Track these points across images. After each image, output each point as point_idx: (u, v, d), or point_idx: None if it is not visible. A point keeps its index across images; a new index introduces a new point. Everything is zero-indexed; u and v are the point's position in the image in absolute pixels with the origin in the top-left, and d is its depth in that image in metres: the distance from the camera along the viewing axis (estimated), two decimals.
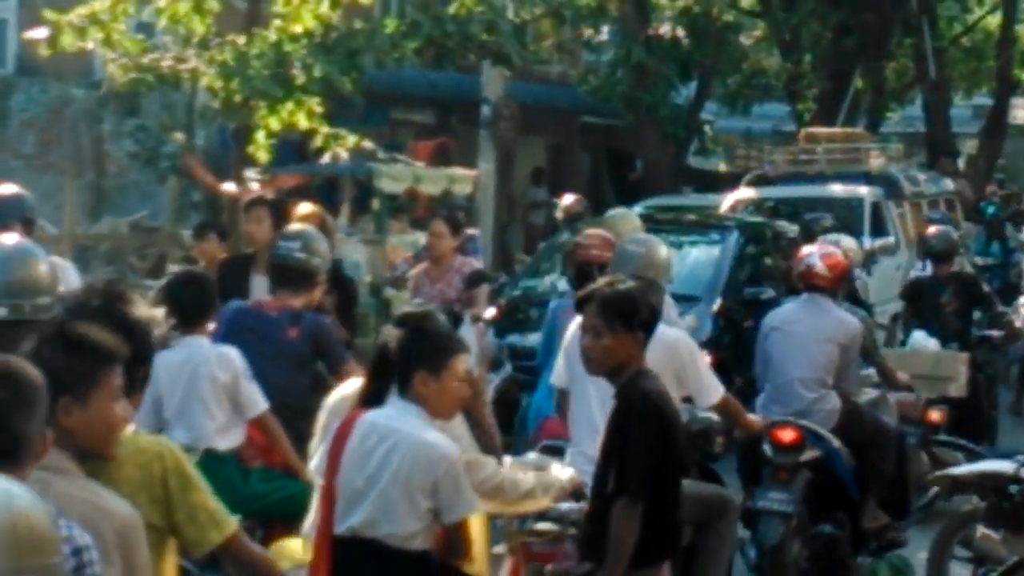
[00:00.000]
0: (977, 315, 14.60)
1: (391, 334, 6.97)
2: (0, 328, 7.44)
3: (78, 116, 29.03)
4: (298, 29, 19.68)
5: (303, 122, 19.47)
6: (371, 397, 6.89)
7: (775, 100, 34.35)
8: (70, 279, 10.83)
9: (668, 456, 6.59)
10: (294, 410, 9.59)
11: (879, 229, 19.74)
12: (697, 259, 16.76)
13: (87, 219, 26.39)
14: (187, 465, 6.03)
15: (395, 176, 23.13)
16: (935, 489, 10.74)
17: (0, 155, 29.18)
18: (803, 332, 10.82)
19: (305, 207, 13.00)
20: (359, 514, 6.52)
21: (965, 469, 9.21)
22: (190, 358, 9.35)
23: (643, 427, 6.53)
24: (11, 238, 8.86)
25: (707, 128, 32.16)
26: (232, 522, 6.14)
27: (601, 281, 7.79)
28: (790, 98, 31.94)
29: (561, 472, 7.89)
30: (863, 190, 20.34)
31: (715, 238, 17.20)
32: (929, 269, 14.73)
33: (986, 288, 15.17)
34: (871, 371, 12.10)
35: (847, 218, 19.43)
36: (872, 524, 10.58)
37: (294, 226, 11.61)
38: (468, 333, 12.41)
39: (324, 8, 19.92)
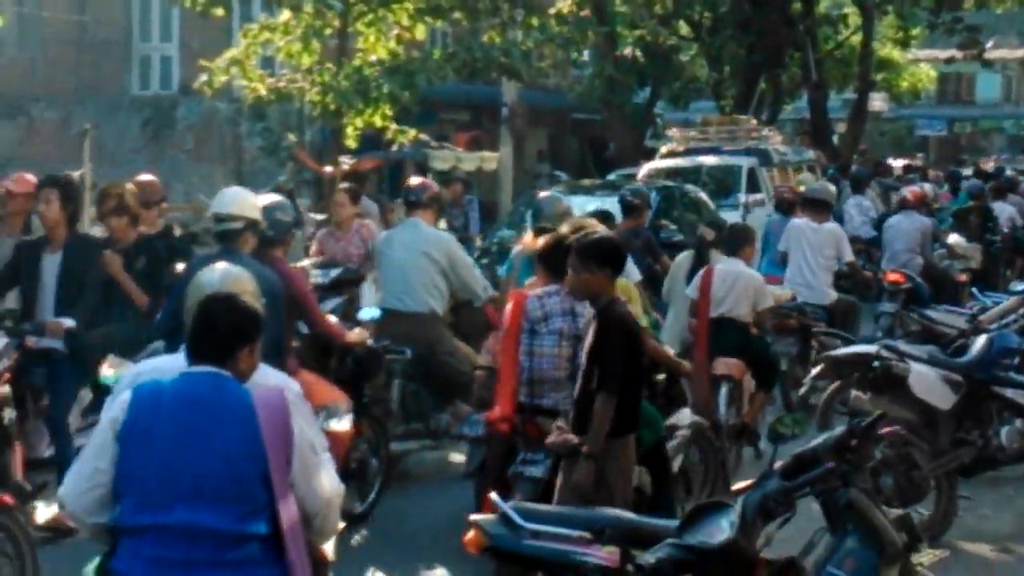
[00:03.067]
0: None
1: None
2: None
3: (223, 123, 29.01)
4: (373, 58, 19.75)
5: (378, 122, 19.57)
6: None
7: (705, 99, 34.12)
8: None
9: (634, 362, 6.50)
10: None
11: (754, 188, 19.28)
12: None
13: None
14: None
15: (442, 158, 23.26)
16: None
17: (170, 151, 29.26)
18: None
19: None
20: None
21: (841, 351, 9.20)
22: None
23: (617, 341, 6.42)
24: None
25: (658, 120, 31.96)
26: None
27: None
28: (715, 97, 31.76)
29: None
30: (741, 159, 19.85)
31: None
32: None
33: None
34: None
35: (729, 180, 19.33)
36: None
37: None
38: (368, 291, 11.12)
39: (391, 44, 20.00)
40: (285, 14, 19.90)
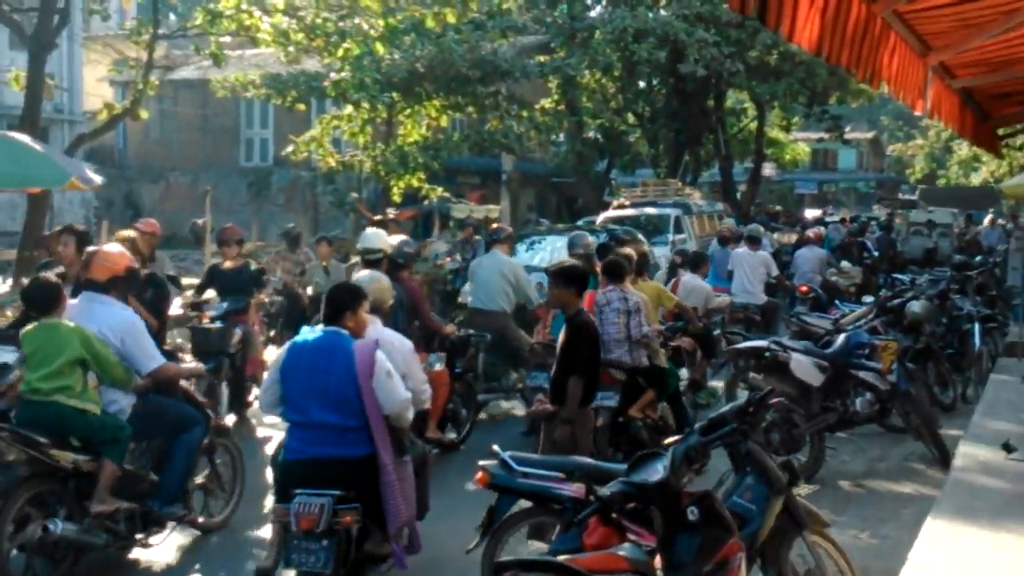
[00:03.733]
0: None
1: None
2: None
3: (304, 185, 29.01)
4: (411, 139, 19.78)
5: (415, 183, 19.60)
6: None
7: (646, 167, 34.13)
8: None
9: (595, 356, 6.56)
10: None
11: (679, 231, 19.00)
12: None
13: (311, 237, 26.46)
14: None
15: (459, 209, 23.13)
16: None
17: (266, 206, 29.26)
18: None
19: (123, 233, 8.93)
20: None
21: (743, 345, 9.19)
22: None
23: (583, 339, 6.46)
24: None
25: (613, 182, 31.96)
26: None
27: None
28: (653, 166, 31.76)
29: None
30: (669, 210, 19.60)
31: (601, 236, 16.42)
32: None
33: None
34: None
35: (661, 224, 19.06)
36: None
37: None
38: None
39: (423, 129, 20.05)
40: (348, 108, 19.96)
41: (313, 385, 5.36)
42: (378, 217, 19.78)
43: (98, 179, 11.58)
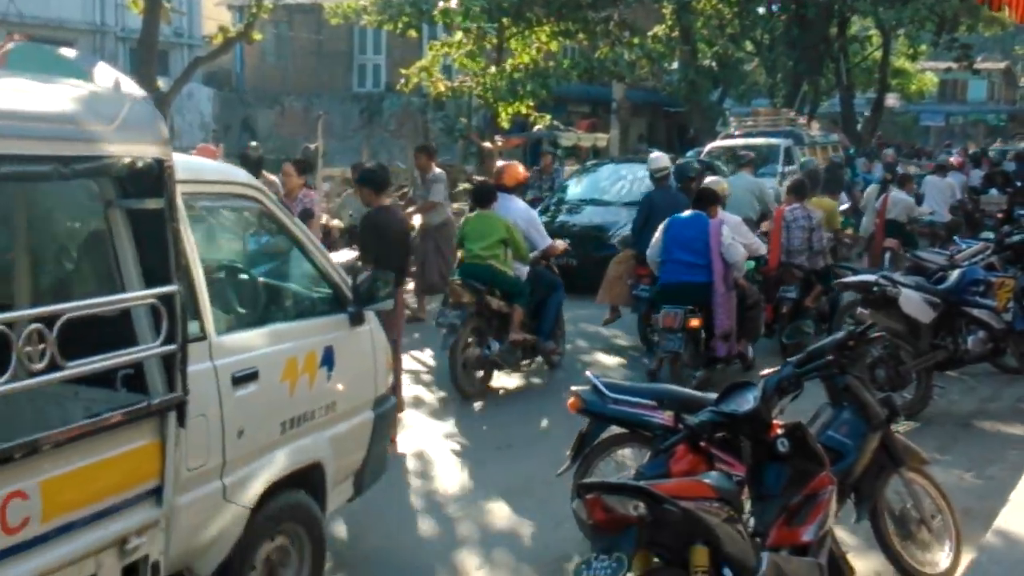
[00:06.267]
0: None
1: None
2: None
3: (415, 112, 29.15)
4: (520, 65, 19.58)
5: (523, 111, 19.44)
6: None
7: (762, 97, 33.26)
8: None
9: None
10: None
11: (789, 161, 18.45)
12: None
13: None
14: None
15: (567, 138, 22.98)
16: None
17: (378, 132, 29.50)
18: None
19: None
20: None
21: (850, 279, 8.95)
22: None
23: None
24: None
25: (726, 113, 31.22)
26: None
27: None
28: (770, 96, 30.96)
29: None
30: (779, 140, 19.08)
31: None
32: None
33: None
34: None
35: (770, 155, 18.64)
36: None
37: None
38: None
39: (533, 54, 19.83)
40: (458, 34, 19.87)
41: (681, 240, 8.48)
42: (487, 144, 19.79)
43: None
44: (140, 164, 3.34)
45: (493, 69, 19.57)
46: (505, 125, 20.24)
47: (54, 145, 3.05)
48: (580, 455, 5.42)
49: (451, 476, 6.80)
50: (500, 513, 6.11)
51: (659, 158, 11.03)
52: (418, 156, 11.57)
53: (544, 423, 7.94)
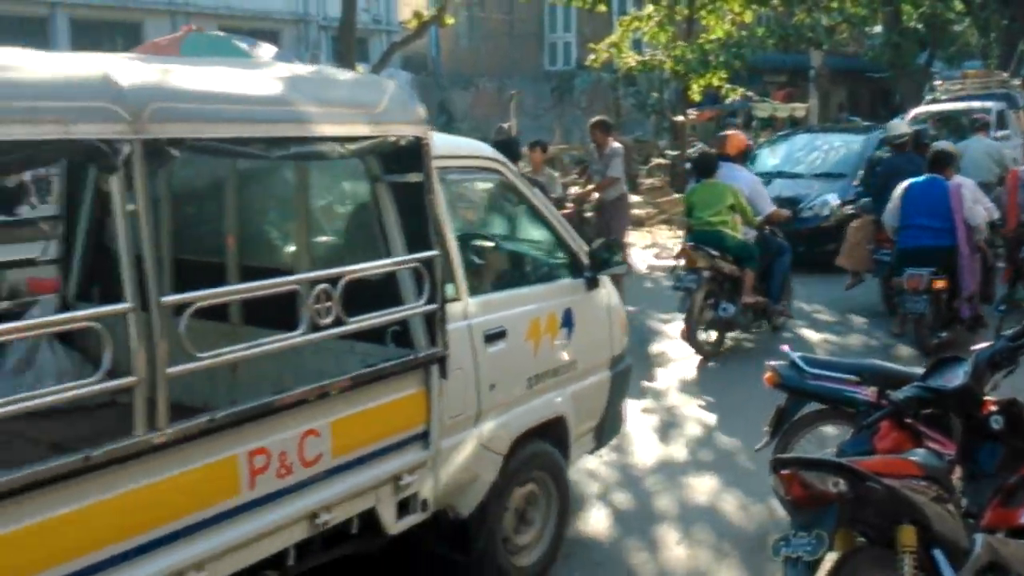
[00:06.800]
0: None
1: None
2: None
3: (606, 88, 29.02)
4: (712, 38, 19.20)
5: (715, 83, 19.03)
6: None
7: (975, 59, 31.36)
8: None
9: None
10: None
11: (1002, 126, 17.22)
12: None
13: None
14: None
15: (763, 109, 22.41)
16: None
17: (569, 109, 29.59)
18: None
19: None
20: None
21: None
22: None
23: None
24: None
25: (935, 75, 29.64)
26: None
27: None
28: (983, 58, 29.17)
29: None
30: (991, 103, 17.78)
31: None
32: None
33: None
34: None
35: (982, 120, 17.62)
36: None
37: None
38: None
39: (726, 25, 19.38)
40: (649, 7, 19.67)
41: (921, 204, 8.58)
42: (679, 118, 19.56)
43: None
44: (403, 142, 3.73)
45: (684, 42, 19.29)
46: (697, 98, 19.91)
47: (338, 128, 3.50)
48: (779, 431, 5.33)
49: (661, 443, 6.75)
50: (701, 488, 6.06)
51: (898, 124, 11.44)
52: (594, 131, 11.54)
53: (745, 392, 7.82)
